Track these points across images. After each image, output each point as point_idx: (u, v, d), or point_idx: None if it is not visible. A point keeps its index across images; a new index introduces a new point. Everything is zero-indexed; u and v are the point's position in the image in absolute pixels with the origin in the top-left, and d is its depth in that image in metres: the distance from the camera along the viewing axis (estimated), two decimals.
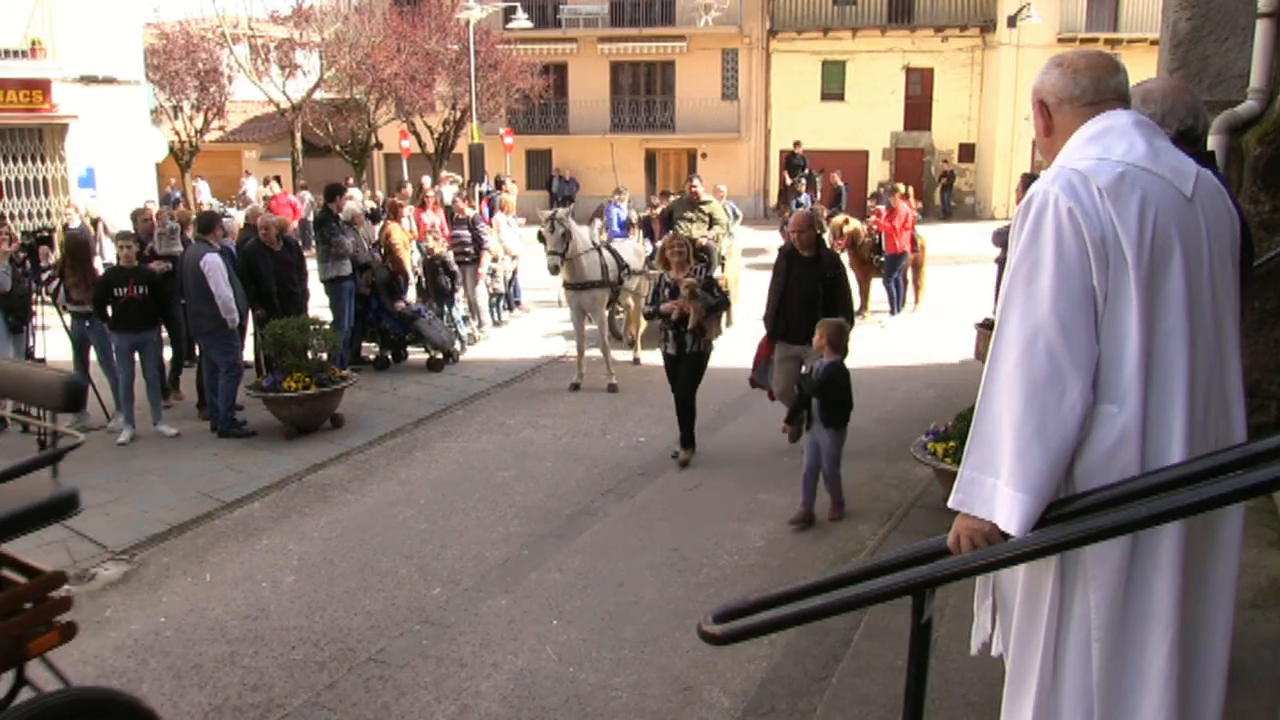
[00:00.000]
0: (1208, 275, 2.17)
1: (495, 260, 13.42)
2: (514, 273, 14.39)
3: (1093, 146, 2.21)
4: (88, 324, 8.82)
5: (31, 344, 8.76)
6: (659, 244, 12.90)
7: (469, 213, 13.07)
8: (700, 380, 7.74)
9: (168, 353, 9.68)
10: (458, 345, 11.83)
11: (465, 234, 12.67)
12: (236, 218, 13.38)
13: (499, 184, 17.12)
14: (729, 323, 13.24)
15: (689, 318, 7.38)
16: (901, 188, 14.44)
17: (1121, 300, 2.09)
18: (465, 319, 12.55)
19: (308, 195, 22.64)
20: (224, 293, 8.35)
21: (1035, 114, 2.41)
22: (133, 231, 9.41)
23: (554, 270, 10.13)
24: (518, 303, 14.76)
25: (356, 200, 14.25)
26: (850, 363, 6.55)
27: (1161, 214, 2.11)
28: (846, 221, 14.19)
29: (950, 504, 2.26)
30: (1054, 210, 2.10)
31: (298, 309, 9.65)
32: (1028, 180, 12.50)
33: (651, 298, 7.81)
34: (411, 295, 12.03)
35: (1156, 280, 2.09)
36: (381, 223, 12.43)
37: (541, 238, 10.18)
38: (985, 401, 2.20)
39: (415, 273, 12.43)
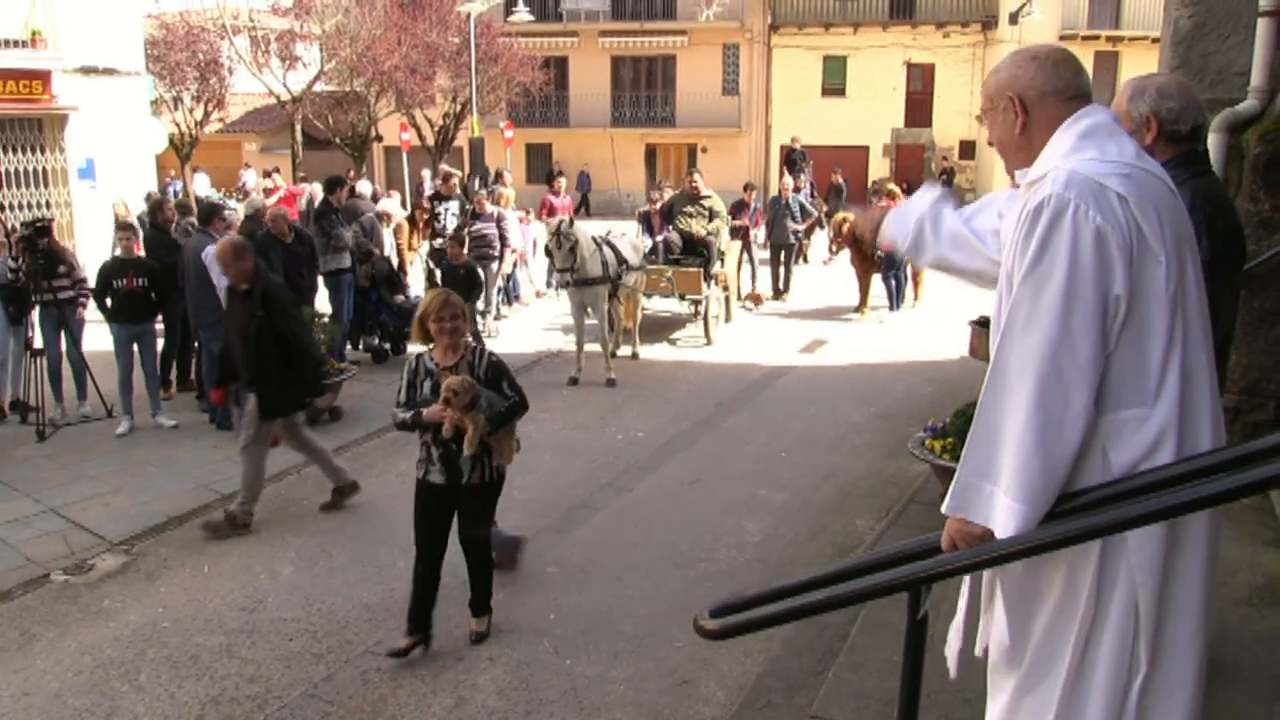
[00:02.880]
0: (1198, 269, 2.18)
1: (515, 251, 13.47)
2: (514, 266, 14.36)
3: (1088, 147, 2.17)
4: (74, 311, 8.80)
5: (31, 335, 8.74)
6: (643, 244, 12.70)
7: (490, 209, 12.94)
8: (489, 526, 5.07)
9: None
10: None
11: (491, 230, 12.62)
12: (238, 209, 13.39)
13: (498, 177, 17.09)
14: (728, 318, 13.27)
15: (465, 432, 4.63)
16: (892, 187, 14.49)
17: (1145, 302, 2.06)
18: (483, 314, 12.56)
19: (308, 187, 22.61)
20: (225, 284, 8.33)
21: (1005, 111, 2.31)
22: (132, 223, 9.39)
23: (565, 286, 10.14)
24: (516, 297, 14.76)
25: (393, 200, 14.22)
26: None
27: (1168, 213, 2.11)
28: (845, 220, 14.16)
29: (944, 509, 2.24)
30: (1071, 218, 2.04)
31: (305, 301, 9.67)
32: None
33: (405, 392, 4.85)
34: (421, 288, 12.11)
35: (1179, 279, 2.09)
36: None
37: (549, 252, 10.15)
38: (985, 408, 2.17)
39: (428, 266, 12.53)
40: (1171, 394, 2.08)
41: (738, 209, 14.90)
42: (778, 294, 15.24)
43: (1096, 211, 2.03)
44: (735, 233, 14.22)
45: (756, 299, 14.65)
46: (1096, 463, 2.12)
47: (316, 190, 19.67)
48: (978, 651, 2.49)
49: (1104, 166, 2.11)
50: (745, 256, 14.95)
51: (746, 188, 16.41)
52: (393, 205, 12.50)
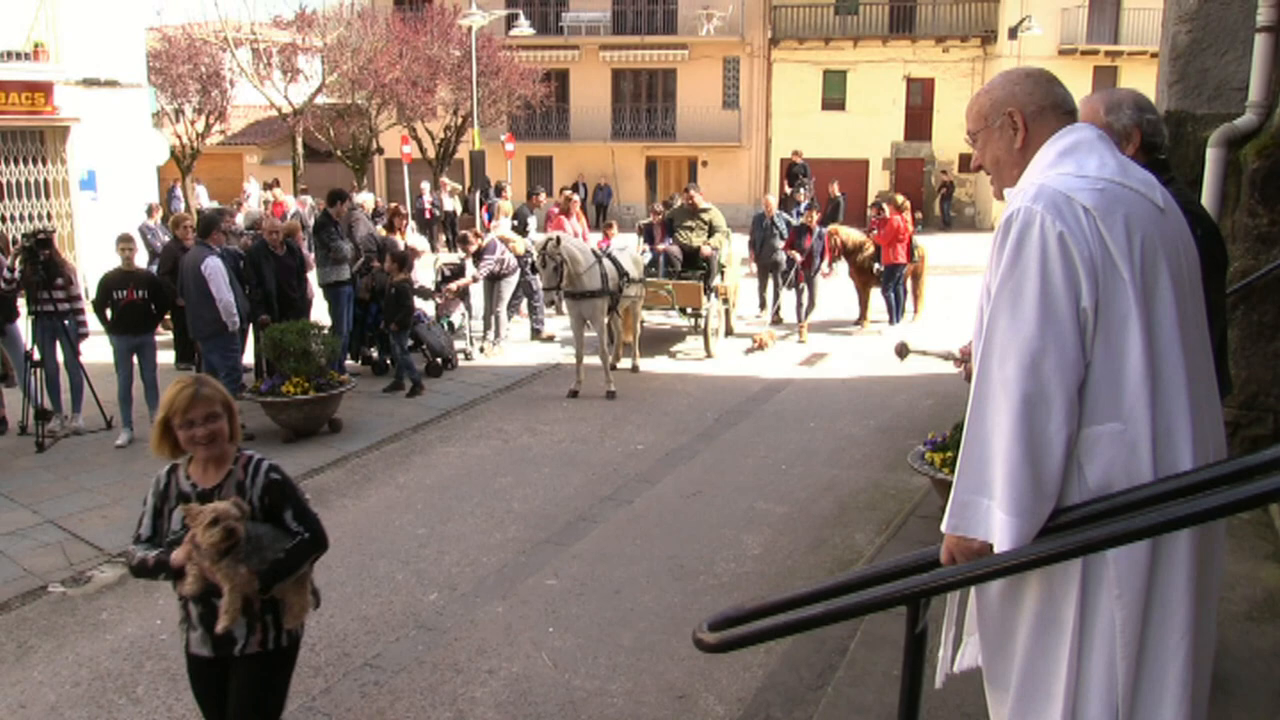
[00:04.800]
0: (1187, 285, 2.19)
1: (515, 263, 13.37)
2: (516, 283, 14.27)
3: (1067, 162, 2.20)
4: (65, 323, 8.82)
5: (30, 347, 8.73)
6: (656, 249, 12.79)
7: (484, 236, 12.63)
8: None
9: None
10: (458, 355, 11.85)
11: (490, 263, 12.42)
12: (239, 219, 13.42)
13: (499, 191, 17.15)
14: (728, 332, 13.27)
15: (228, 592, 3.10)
16: (899, 199, 14.45)
17: (1117, 317, 2.08)
18: (454, 327, 12.48)
19: (309, 199, 22.65)
20: (225, 296, 8.36)
21: (1003, 128, 2.33)
22: (131, 234, 9.42)
23: (550, 304, 10.09)
24: (517, 309, 14.70)
25: (421, 238, 13.76)
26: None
27: (1145, 228, 2.12)
28: (835, 233, 14.15)
29: (944, 528, 2.24)
30: (1039, 229, 2.08)
31: (296, 314, 9.71)
32: None
33: (149, 522, 3.33)
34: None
35: (1149, 294, 2.10)
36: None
37: (535, 269, 10.12)
38: (973, 425, 2.18)
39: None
40: (1144, 409, 2.08)
41: (799, 234, 13.41)
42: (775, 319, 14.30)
43: (1057, 218, 2.07)
44: (788, 264, 13.33)
45: (761, 343, 12.64)
46: (1073, 478, 2.13)
47: (287, 202, 19.78)
48: (956, 669, 2.48)
49: (1077, 181, 2.13)
50: (803, 288, 13.32)
51: (811, 208, 14.55)
52: (419, 241, 12.48)
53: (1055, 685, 2.18)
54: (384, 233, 12.10)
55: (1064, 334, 2.06)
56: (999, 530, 2.12)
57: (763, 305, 14.67)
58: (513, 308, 14.30)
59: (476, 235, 12.79)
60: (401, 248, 11.47)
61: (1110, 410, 2.10)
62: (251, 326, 9.53)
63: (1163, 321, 2.11)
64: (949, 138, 30.45)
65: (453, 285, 12.30)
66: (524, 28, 25.86)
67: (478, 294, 12.58)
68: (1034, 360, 2.06)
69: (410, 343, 11.28)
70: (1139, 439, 2.09)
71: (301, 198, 22.78)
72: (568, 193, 15.59)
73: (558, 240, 9.99)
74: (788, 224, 14.25)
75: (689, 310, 12.25)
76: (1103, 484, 2.11)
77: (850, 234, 13.95)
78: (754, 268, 15.03)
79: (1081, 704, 2.16)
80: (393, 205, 15.13)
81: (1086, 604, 2.13)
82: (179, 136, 26.37)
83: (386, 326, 10.64)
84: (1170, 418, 2.10)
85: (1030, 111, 2.30)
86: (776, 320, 14.24)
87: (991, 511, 2.14)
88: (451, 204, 24.40)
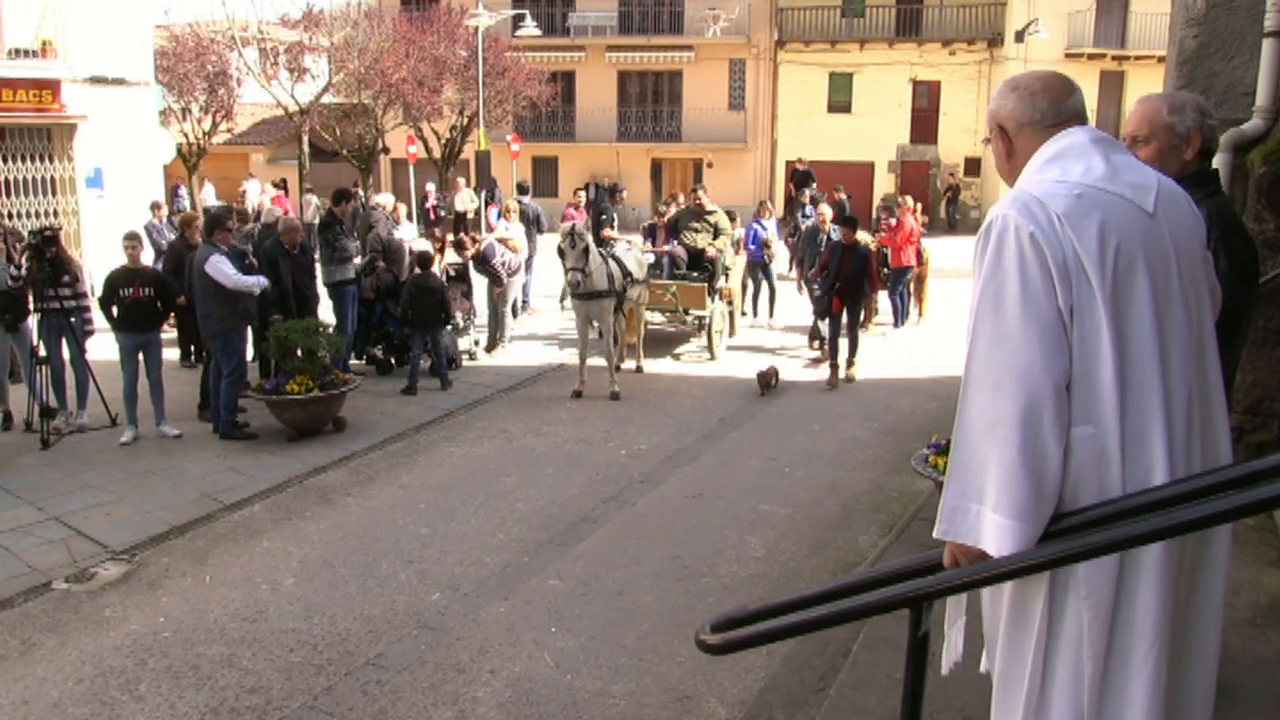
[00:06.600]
0: (1178, 290, 2.16)
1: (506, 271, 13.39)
2: (525, 282, 14.27)
3: (1051, 169, 2.22)
4: (71, 320, 8.84)
5: (36, 343, 8.75)
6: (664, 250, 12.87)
7: (483, 237, 12.61)
8: None
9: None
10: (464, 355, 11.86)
11: (494, 259, 12.42)
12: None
13: (523, 190, 17.23)
14: (731, 333, 13.26)
15: None
16: (909, 201, 14.41)
17: (1089, 322, 2.08)
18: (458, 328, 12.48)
19: (314, 199, 22.68)
20: (235, 278, 8.31)
21: (995, 139, 2.39)
22: (138, 232, 9.44)
23: (576, 286, 10.08)
24: (525, 303, 14.71)
25: (426, 244, 13.49)
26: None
27: (1123, 234, 2.11)
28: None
29: (935, 534, 2.25)
30: (1014, 235, 2.10)
31: (309, 312, 9.78)
32: None
33: None
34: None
35: (1122, 300, 2.09)
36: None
37: (561, 253, 10.13)
38: (962, 430, 2.18)
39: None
40: (1113, 414, 2.08)
41: (835, 255, 10.90)
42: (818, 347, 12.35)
43: (1030, 222, 2.09)
44: (840, 289, 10.72)
45: (769, 382, 10.47)
46: None
47: (266, 203, 19.79)
48: (982, 669, 2.50)
49: (1055, 187, 2.14)
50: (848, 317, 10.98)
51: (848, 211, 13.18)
52: (425, 248, 12.54)
53: (1023, 681, 2.21)
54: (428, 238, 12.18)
55: (1048, 331, 2.07)
56: (994, 534, 2.11)
57: (814, 337, 12.74)
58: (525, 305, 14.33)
59: (473, 240, 12.79)
60: (405, 250, 11.52)
61: (1083, 413, 2.10)
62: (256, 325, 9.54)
63: (1138, 327, 2.10)
64: (955, 141, 30.44)
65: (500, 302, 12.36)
66: (530, 28, 25.87)
67: (480, 294, 12.62)
68: (1020, 361, 2.07)
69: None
70: (1109, 444, 2.09)
71: (306, 197, 22.83)
72: (674, 191, 15.86)
73: (584, 226, 10.13)
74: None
75: (688, 311, 12.25)
76: (1074, 487, 2.11)
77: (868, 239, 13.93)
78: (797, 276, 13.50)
79: (1045, 703, 2.17)
80: (442, 231, 15.22)
81: (1054, 603, 2.14)
82: (185, 135, 26.40)
83: (412, 326, 10.63)
84: (1142, 424, 2.09)
85: (1010, 127, 2.35)
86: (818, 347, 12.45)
87: (982, 516, 2.14)
88: (463, 207, 24.38)
